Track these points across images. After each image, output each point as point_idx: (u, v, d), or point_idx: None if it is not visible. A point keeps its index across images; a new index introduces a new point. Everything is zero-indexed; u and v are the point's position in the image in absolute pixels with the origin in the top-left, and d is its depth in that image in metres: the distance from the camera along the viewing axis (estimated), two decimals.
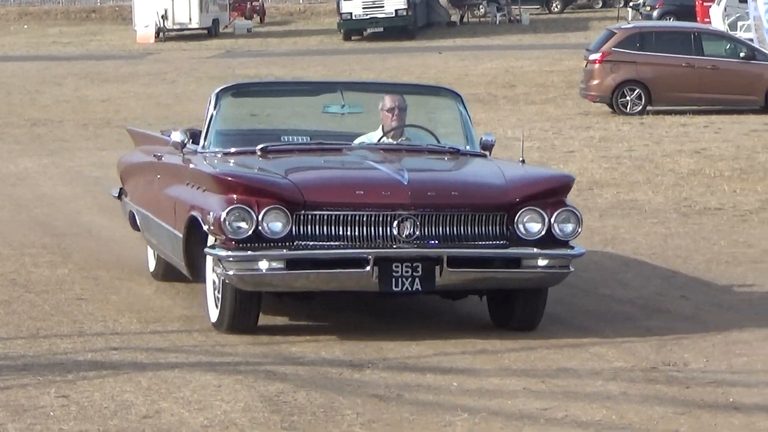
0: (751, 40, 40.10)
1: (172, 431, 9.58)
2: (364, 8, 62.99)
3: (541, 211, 9.84)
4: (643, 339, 11.26)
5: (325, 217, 9.81)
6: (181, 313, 13.91)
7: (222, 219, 9.27)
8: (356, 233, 9.85)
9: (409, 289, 9.73)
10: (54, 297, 14.77)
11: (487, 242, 9.90)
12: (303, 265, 9.78)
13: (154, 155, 12.76)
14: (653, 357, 10.62)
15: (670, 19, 54.64)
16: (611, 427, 8.51)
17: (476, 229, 9.77)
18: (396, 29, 63.35)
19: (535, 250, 10.01)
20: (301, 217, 9.80)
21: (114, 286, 15.51)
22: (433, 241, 9.72)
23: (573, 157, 30.86)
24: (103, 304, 14.43)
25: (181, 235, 10.69)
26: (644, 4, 62.51)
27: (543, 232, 9.84)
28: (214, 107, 11.62)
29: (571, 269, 10.12)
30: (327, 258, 9.75)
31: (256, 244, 9.52)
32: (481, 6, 72.17)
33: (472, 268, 9.76)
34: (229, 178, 9.96)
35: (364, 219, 9.76)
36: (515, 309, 10.93)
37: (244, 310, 10.22)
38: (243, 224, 9.39)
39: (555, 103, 40.47)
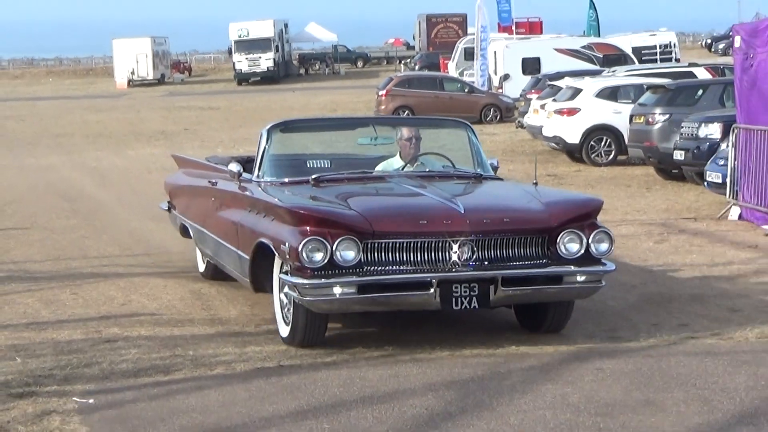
0: (472, 82, 58.87)
1: (138, 312, 13.77)
2: (248, 66, 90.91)
3: (580, 233, 10.26)
4: None
5: (391, 245, 10.18)
6: (146, 240, 20.67)
7: (299, 249, 9.55)
8: (419, 258, 10.22)
9: (467, 307, 10.23)
10: (68, 236, 21.24)
11: (532, 262, 10.30)
12: (372, 290, 10.15)
13: (209, 181, 13.40)
14: None
15: (425, 70, 74.93)
16: None
17: (523, 250, 10.15)
18: (268, 78, 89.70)
19: (573, 268, 10.44)
20: (370, 245, 10.16)
21: (105, 228, 22.45)
22: (487, 263, 10.11)
23: None
24: (98, 239, 20.71)
25: (247, 257, 11.20)
26: (410, 62, 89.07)
27: (582, 252, 10.26)
28: (266, 141, 12.02)
29: (603, 283, 10.54)
30: (394, 282, 10.09)
31: (330, 272, 9.76)
32: (316, 64, 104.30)
33: (522, 286, 10.15)
34: (303, 212, 10.34)
35: (426, 245, 10.19)
36: (547, 316, 11.68)
37: (315, 327, 10.64)
38: (318, 254, 9.68)
39: None
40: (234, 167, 11.60)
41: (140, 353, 11.44)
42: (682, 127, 28.89)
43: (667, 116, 31.03)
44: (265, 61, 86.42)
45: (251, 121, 50.68)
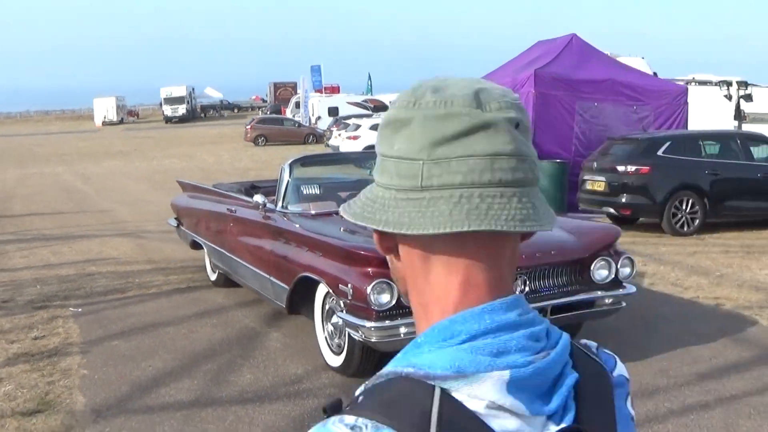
0: (300, 120, 56.88)
1: (106, 257, 13.88)
2: (171, 112, 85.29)
3: (610, 260, 7.77)
4: None
5: None
6: (112, 216, 20.62)
7: (367, 292, 6.65)
8: None
9: None
10: (66, 214, 20.64)
11: (570, 288, 7.67)
12: None
13: (228, 209, 10.17)
14: None
15: (273, 114, 70.56)
16: None
17: (561, 278, 7.58)
18: (183, 119, 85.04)
19: (601, 292, 7.70)
20: None
21: (87, 208, 21.85)
22: (536, 294, 7.38)
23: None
24: (83, 215, 20.43)
25: (285, 286, 8.05)
26: (264, 110, 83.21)
27: (612, 277, 7.76)
28: (289, 174, 9.15)
29: (624, 304, 7.98)
30: None
31: (395, 312, 6.83)
32: (210, 111, 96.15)
33: (566, 312, 7.57)
34: (368, 253, 7.01)
35: None
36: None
37: (370, 360, 7.51)
38: (386, 296, 6.75)
39: (231, 146, 52.64)
40: (260, 199, 8.95)
41: (108, 281, 11.99)
42: None
43: None
44: (181, 109, 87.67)
45: (173, 144, 55.38)
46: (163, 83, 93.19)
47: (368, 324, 6.75)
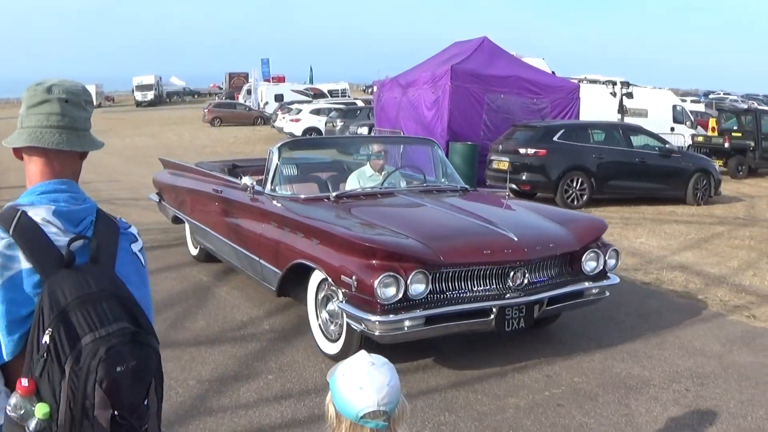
0: (250, 105, 56.38)
1: None
2: (142, 97, 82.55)
3: (599, 252, 6.85)
4: None
5: (455, 274, 6.14)
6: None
7: (374, 286, 5.63)
8: (479, 286, 6.21)
9: (516, 327, 6.35)
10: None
11: (561, 280, 6.71)
12: (438, 320, 6.04)
13: (214, 189, 8.93)
14: None
15: (228, 99, 66.41)
16: None
17: (553, 270, 6.63)
18: (151, 104, 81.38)
19: (589, 283, 6.77)
20: (437, 276, 6.07)
21: (83, 168, 21.32)
22: (534, 287, 6.38)
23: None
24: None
25: (277, 270, 6.92)
26: (221, 96, 79.72)
27: (600, 268, 6.84)
28: (278, 158, 7.86)
29: (608, 293, 7.05)
30: (459, 311, 6.08)
31: (400, 305, 5.83)
32: (175, 97, 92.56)
33: (559, 303, 6.65)
34: (374, 245, 6.00)
35: (486, 273, 6.21)
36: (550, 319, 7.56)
37: (367, 347, 5.45)
38: (392, 290, 5.73)
39: (191, 126, 52.61)
40: (248, 181, 7.86)
41: None
42: (349, 128, 30.89)
43: (343, 122, 33.73)
44: (150, 95, 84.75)
45: (143, 124, 53.14)
46: (135, 73, 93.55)
47: (373, 318, 5.81)
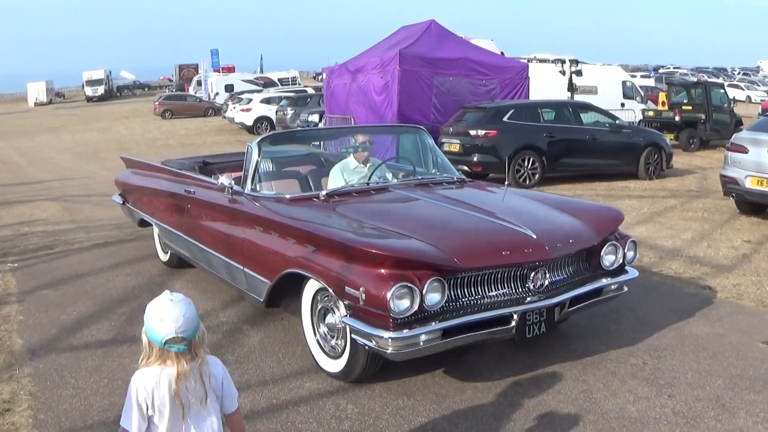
0: (201, 96, 55.99)
1: (37, 219, 13.54)
2: (92, 92, 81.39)
3: (617, 245, 6.16)
4: None
5: (472, 279, 5.34)
6: (32, 177, 22.15)
7: (387, 298, 4.79)
8: (497, 290, 5.40)
9: (537, 333, 5.59)
10: (16, 175, 21.45)
11: (580, 277, 6.00)
12: (457, 332, 5.17)
13: (186, 190, 8.03)
14: None
15: (178, 91, 67.64)
16: None
17: (574, 266, 5.98)
18: (102, 98, 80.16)
19: (609, 279, 6.05)
20: (452, 283, 5.25)
21: (37, 165, 24.56)
22: (555, 288, 5.66)
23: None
24: (30, 178, 20.64)
25: (266, 280, 6.06)
26: (171, 88, 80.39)
27: (619, 262, 6.16)
28: (258, 154, 6.93)
29: (626, 289, 6.34)
30: (477, 321, 5.25)
31: (413, 317, 5.00)
32: (125, 90, 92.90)
33: (580, 303, 5.91)
34: (386, 252, 5.12)
35: (505, 276, 5.44)
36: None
37: (374, 366, 5.57)
38: (406, 302, 4.90)
39: (142, 120, 56.62)
40: (225, 181, 6.89)
41: (39, 240, 11.61)
42: (300, 116, 30.50)
43: (294, 110, 33.09)
44: (100, 90, 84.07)
45: (94, 119, 52.83)
46: (85, 68, 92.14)
47: (385, 334, 5.03)
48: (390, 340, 5.08)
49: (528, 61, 25.25)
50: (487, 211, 6.33)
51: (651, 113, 26.03)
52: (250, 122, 35.79)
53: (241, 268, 6.80)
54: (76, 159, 26.42)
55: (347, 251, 5.45)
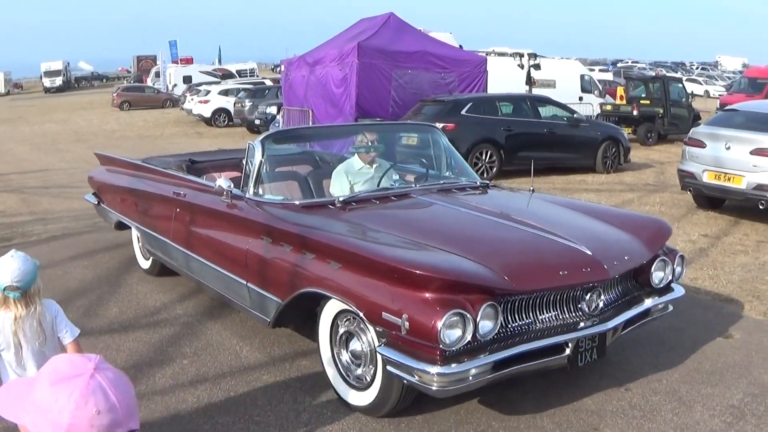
0: (159, 88, 54.77)
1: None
2: (50, 83, 79.39)
3: (667, 260, 5.48)
4: None
5: (524, 303, 4.65)
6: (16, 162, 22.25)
7: (438, 329, 4.04)
8: (551, 314, 4.73)
9: (589, 360, 4.88)
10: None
11: (629, 297, 5.33)
12: (509, 364, 4.45)
13: (174, 192, 7.10)
14: None
15: (136, 83, 65.18)
16: None
17: (623, 285, 5.35)
18: (59, 89, 78.28)
19: (658, 297, 5.39)
20: (505, 307, 4.57)
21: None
22: (608, 310, 5.02)
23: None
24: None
25: (276, 299, 5.24)
26: (129, 79, 76.54)
27: (668, 279, 5.52)
28: (262, 154, 6.02)
29: (671, 308, 5.71)
30: (531, 350, 4.52)
31: (461, 349, 4.26)
32: (83, 81, 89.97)
33: (631, 325, 5.24)
34: (434, 273, 4.29)
35: (560, 298, 4.77)
36: None
37: (409, 397, 4.76)
38: (458, 331, 4.16)
39: (100, 111, 53.32)
40: (224, 183, 6.05)
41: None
42: (258, 108, 30.13)
43: (252, 102, 32.13)
44: (58, 81, 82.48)
45: (52, 111, 50.93)
46: (42, 58, 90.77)
47: (432, 369, 4.27)
48: (436, 375, 4.32)
49: (486, 54, 25.31)
50: (528, 223, 5.53)
51: (609, 107, 26.18)
52: (208, 114, 35.72)
53: (245, 283, 5.98)
54: (34, 150, 26.32)
55: (384, 271, 4.64)
